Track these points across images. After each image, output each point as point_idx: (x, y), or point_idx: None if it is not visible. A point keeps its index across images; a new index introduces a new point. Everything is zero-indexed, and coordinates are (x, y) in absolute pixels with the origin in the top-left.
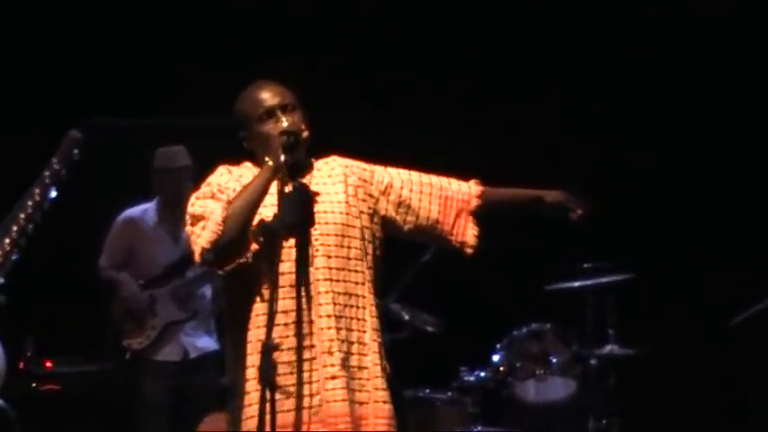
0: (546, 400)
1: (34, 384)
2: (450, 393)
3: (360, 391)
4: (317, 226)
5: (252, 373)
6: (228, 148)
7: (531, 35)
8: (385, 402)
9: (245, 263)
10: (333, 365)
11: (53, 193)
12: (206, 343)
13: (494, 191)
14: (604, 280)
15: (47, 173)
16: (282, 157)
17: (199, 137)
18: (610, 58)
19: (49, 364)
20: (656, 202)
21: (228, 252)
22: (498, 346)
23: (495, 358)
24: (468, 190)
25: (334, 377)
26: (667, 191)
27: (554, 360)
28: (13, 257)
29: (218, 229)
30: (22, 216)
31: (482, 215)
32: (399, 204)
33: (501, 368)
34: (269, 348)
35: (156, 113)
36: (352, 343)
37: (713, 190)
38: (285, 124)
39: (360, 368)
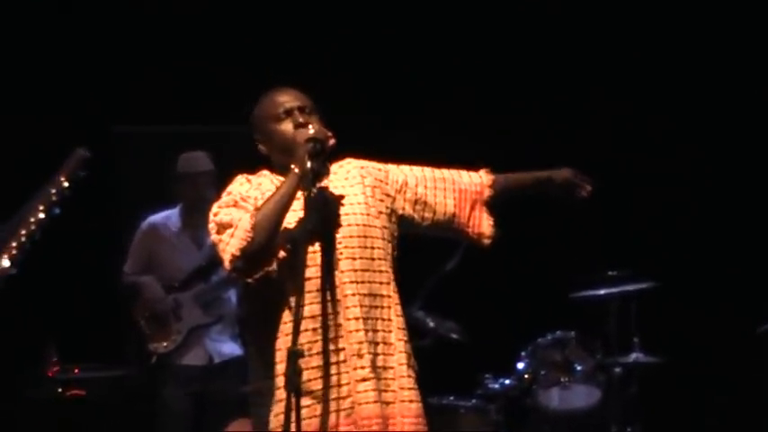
0: (570, 408)
1: (60, 389)
2: (474, 401)
3: (386, 391)
4: (339, 230)
5: (281, 381)
6: (250, 155)
7: (553, 39)
8: (411, 401)
9: (272, 271)
10: (363, 368)
11: (57, 211)
12: (231, 348)
13: (504, 177)
14: (629, 288)
15: (52, 190)
16: (309, 164)
17: (221, 143)
18: (632, 63)
19: (76, 370)
20: (680, 209)
21: (258, 259)
22: (522, 353)
23: (520, 366)
24: (479, 180)
25: (365, 379)
26: (692, 199)
27: (578, 368)
28: (11, 272)
29: (248, 236)
30: (23, 232)
31: (496, 203)
32: (416, 202)
33: (525, 376)
34: (295, 355)
35: (179, 120)
36: (378, 343)
37: (738, 197)
38: (312, 131)
39: (385, 368)
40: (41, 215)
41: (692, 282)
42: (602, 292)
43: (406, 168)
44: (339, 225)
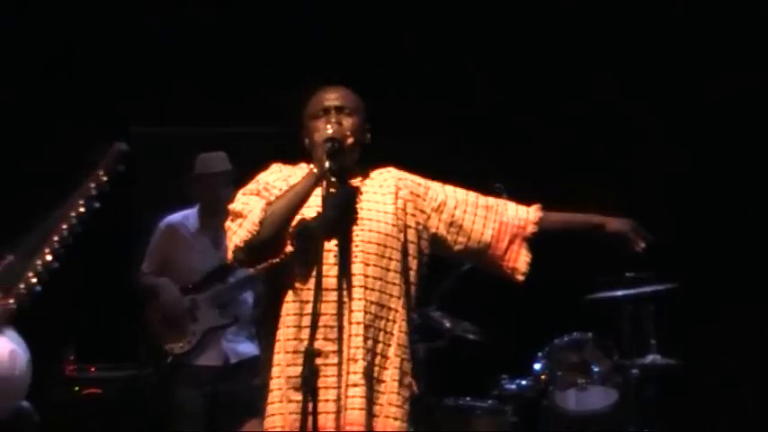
0: (586, 410)
1: (77, 388)
2: (490, 402)
3: (374, 403)
4: (358, 233)
5: (277, 372)
6: (269, 155)
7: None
8: (396, 419)
9: (279, 263)
10: (355, 373)
11: (96, 205)
12: (247, 348)
13: (553, 216)
14: (646, 290)
15: (92, 184)
16: (327, 164)
17: (240, 143)
18: (650, 58)
19: (93, 369)
20: (698, 211)
21: (260, 253)
22: (539, 354)
23: (536, 367)
24: (525, 216)
25: (355, 385)
26: (709, 201)
27: (595, 370)
28: (54, 266)
29: (254, 229)
30: (65, 227)
31: (538, 240)
32: (451, 224)
33: (542, 377)
34: (310, 354)
35: (197, 121)
36: (376, 354)
37: (756, 199)
38: (330, 131)
39: (378, 381)
40: (81, 209)
41: (710, 283)
42: (619, 293)
43: (449, 189)
44: (356, 220)
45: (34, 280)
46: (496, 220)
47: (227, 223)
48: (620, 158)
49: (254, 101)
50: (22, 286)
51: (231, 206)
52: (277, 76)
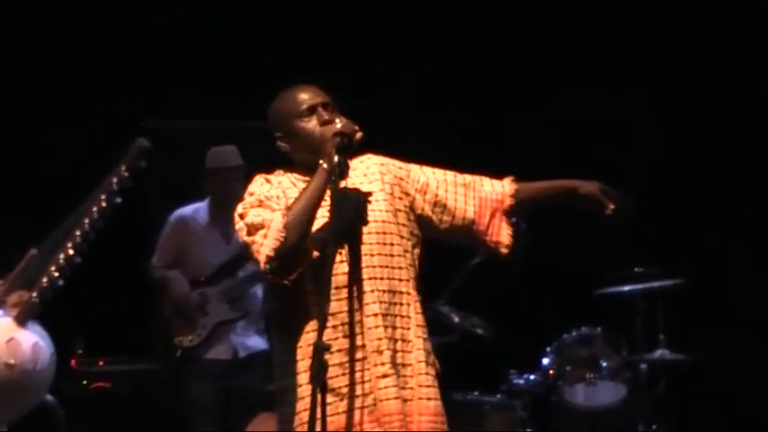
0: (595, 405)
1: (85, 382)
2: (498, 397)
3: (404, 388)
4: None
5: (304, 377)
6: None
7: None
8: (429, 399)
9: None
10: (383, 364)
11: (119, 201)
12: (256, 342)
13: (527, 186)
14: (655, 285)
15: (114, 180)
16: (336, 159)
17: (250, 139)
18: (665, 58)
19: (101, 363)
20: (707, 206)
21: (293, 258)
22: (548, 349)
23: (545, 362)
24: (501, 189)
25: (385, 375)
26: (720, 196)
27: (604, 365)
28: (76, 261)
29: (281, 236)
30: (87, 221)
31: (517, 213)
32: (435, 204)
33: (550, 372)
34: (320, 349)
35: (208, 115)
36: (396, 340)
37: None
38: (339, 125)
39: (404, 365)
40: (104, 204)
41: (719, 279)
42: (628, 288)
43: (428, 170)
44: (366, 222)
45: (56, 274)
46: (476, 197)
47: (246, 238)
48: (627, 152)
49: (263, 96)
50: (44, 280)
51: (244, 221)
52: (286, 71)
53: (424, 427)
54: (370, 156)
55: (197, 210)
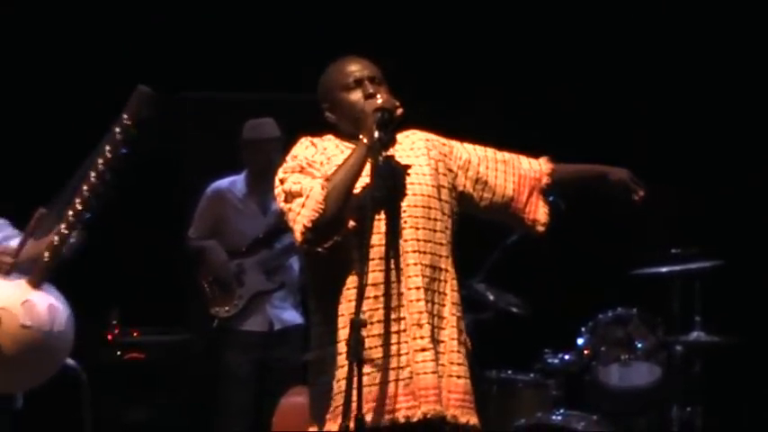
0: (629, 386)
1: (119, 353)
2: (532, 375)
3: (437, 363)
4: (404, 198)
5: (343, 347)
6: (318, 123)
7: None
8: (459, 377)
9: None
10: (423, 338)
11: (124, 151)
12: (291, 316)
13: (562, 167)
14: (692, 266)
15: (117, 130)
16: (377, 134)
17: (288, 111)
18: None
19: (136, 334)
20: (746, 187)
21: (329, 230)
22: (583, 329)
23: (580, 342)
24: (538, 167)
25: (423, 349)
26: (759, 178)
27: (639, 345)
28: (86, 216)
29: (319, 207)
30: (93, 175)
31: (552, 192)
32: (477, 181)
33: (585, 352)
34: (357, 324)
35: (245, 87)
36: (434, 316)
37: None
38: (380, 101)
39: (438, 341)
40: (109, 155)
41: (756, 261)
42: (664, 269)
43: (469, 147)
44: (405, 194)
45: (66, 231)
46: (515, 174)
47: (283, 204)
48: (672, 139)
49: (301, 69)
50: (55, 237)
51: (283, 187)
52: (327, 44)
53: (452, 405)
54: (415, 131)
55: (234, 182)
